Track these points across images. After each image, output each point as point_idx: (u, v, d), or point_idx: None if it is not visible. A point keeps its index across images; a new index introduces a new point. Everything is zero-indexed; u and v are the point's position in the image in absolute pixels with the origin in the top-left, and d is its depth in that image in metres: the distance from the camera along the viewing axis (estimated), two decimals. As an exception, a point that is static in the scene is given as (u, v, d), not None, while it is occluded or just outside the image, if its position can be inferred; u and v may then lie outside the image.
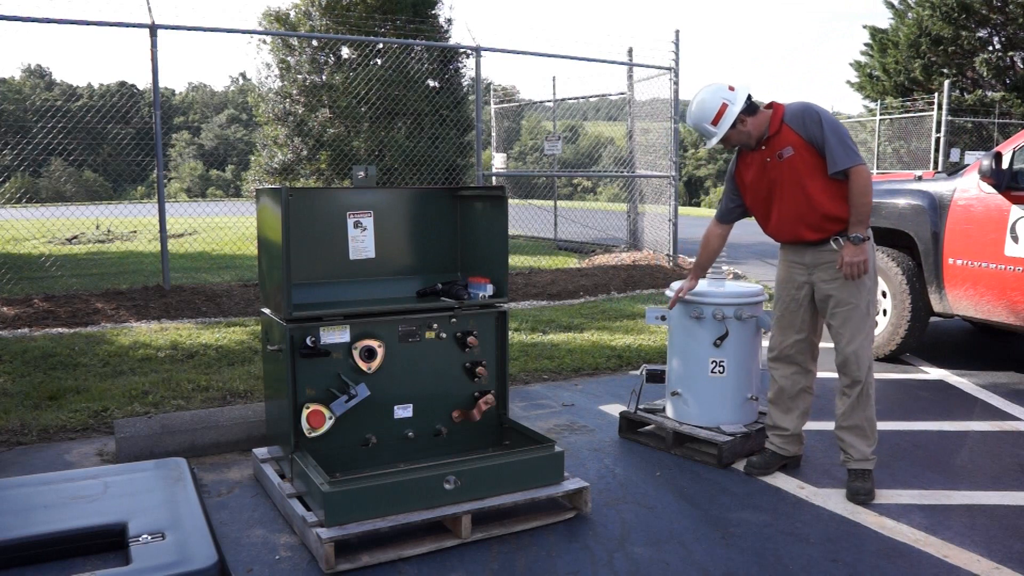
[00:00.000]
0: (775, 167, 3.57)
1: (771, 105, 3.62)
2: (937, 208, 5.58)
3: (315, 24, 13.77)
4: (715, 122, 3.56)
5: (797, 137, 3.50)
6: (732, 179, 3.84)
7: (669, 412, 4.24)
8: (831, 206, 3.49)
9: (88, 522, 1.73)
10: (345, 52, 14.26)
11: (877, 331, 6.01)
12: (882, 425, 4.56)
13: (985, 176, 5.21)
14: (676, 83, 10.94)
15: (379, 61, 13.36)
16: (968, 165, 5.67)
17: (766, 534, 3.20)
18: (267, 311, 3.54)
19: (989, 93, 20.12)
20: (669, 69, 10.92)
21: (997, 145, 7.92)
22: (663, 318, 4.27)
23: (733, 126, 3.55)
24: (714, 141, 3.61)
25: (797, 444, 3.87)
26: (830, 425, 4.46)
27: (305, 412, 3.28)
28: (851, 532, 3.23)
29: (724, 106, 3.55)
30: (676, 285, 4.20)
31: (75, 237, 13.85)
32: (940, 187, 5.63)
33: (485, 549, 3.05)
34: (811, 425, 4.07)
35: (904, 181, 5.99)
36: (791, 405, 3.81)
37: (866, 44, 22.70)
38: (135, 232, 15.07)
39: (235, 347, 5.87)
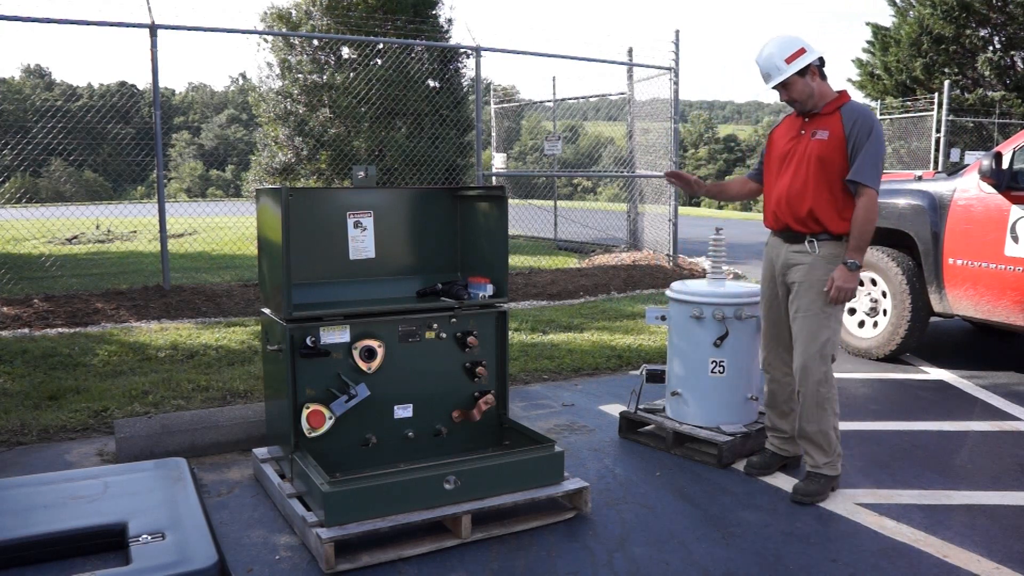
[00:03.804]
0: (804, 141, 3.52)
1: (841, 91, 3.56)
2: (937, 208, 5.58)
3: (316, 24, 13.77)
4: (789, 60, 3.44)
5: (841, 129, 3.43)
6: (766, 142, 3.82)
7: (669, 412, 4.25)
8: (824, 207, 3.46)
9: (88, 522, 1.73)
10: (345, 52, 14.26)
11: (877, 331, 6.02)
12: (882, 425, 4.57)
13: (985, 176, 5.22)
14: (676, 83, 10.93)
15: (379, 61, 13.36)
16: (968, 165, 5.67)
17: (766, 534, 3.20)
18: (267, 311, 3.54)
19: (990, 93, 20.11)
20: (669, 69, 10.92)
21: (997, 145, 7.92)
22: (663, 318, 4.27)
23: (802, 74, 3.45)
24: (778, 80, 3.47)
25: (797, 444, 3.85)
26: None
27: (305, 412, 3.28)
28: (851, 532, 3.23)
29: (802, 50, 3.45)
30: (676, 285, 4.20)
31: (75, 237, 13.84)
32: (940, 187, 5.63)
33: (485, 549, 3.05)
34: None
35: (904, 181, 5.99)
36: (786, 408, 3.80)
37: (868, 41, 22.68)
38: (135, 232, 15.07)
39: (235, 347, 5.87)
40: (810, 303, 3.50)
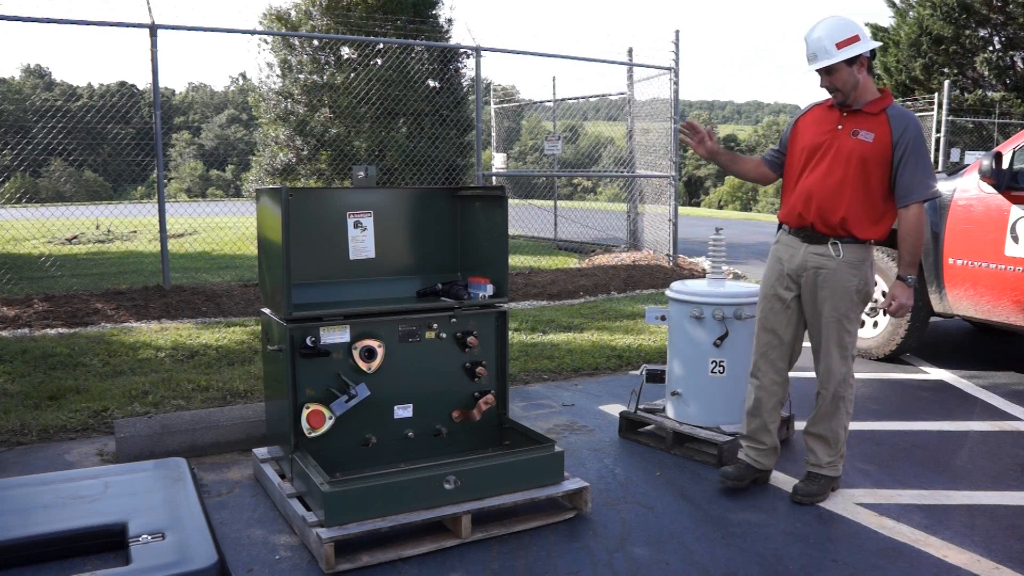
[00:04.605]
0: (842, 138, 3.32)
1: (883, 89, 3.41)
2: (937, 208, 5.58)
3: (316, 24, 13.78)
4: (840, 46, 3.23)
5: (888, 134, 3.26)
6: (790, 129, 3.60)
7: (669, 412, 4.25)
8: (858, 212, 3.32)
9: (88, 522, 1.73)
10: (345, 52, 14.27)
11: (877, 331, 6.02)
12: (882, 425, 4.57)
13: (985, 176, 5.22)
14: (676, 83, 10.93)
15: (379, 61, 13.37)
16: (968, 165, 5.67)
17: (766, 534, 3.20)
18: (267, 311, 3.54)
19: (989, 93, 20.12)
20: (669, 69, 10.92)
21: (997, 145, 7.92)
22: (663, 318, 4.27)
23: (850, 63, 3.25)
24: (824, 63, 3.26)
25: (773, 457, 3.69)
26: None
27: (305, 412, 3.28)
28: (851, 532, 3.23)
29: (856, 38, 3.24)
30: (676, 285, 4.20)
31: (75, 237, 13.84)
32: (940, 187, 5.62)
33: (485, 549, 3.05)
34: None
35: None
36: (768, 419, 3.64)
37: (867, 43, 22.67)
38: (135, 232, 15.07)
39: (235, 347, 5.87)
40: (833, 308, 3.39)
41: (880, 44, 3.35)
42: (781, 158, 3.65)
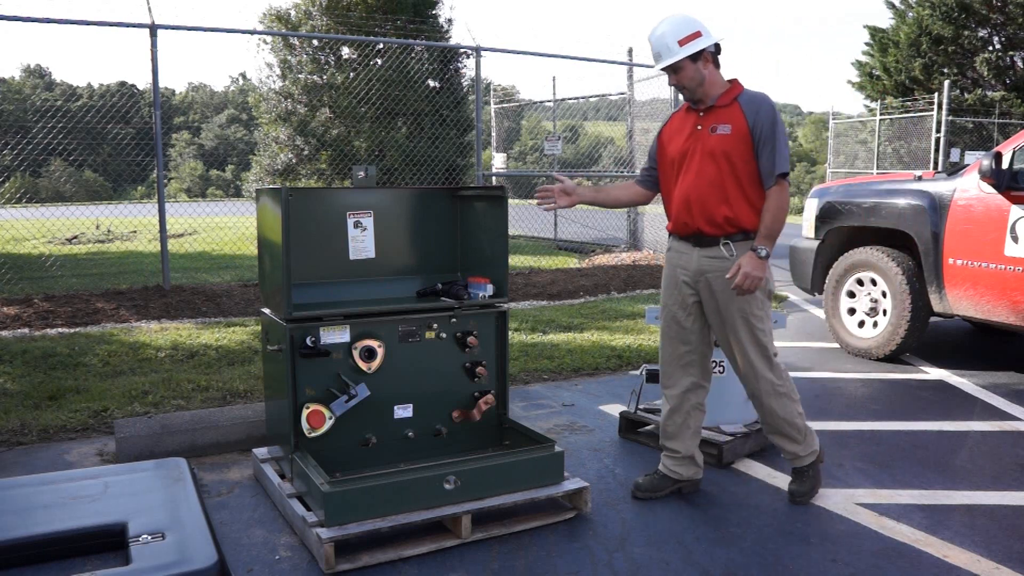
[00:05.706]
0: (704, 138, 3.29)
1: (732, 80, 3.38)
2: (937, 208, 5.58)
3: (316, 24, 13.78)
4: (682, 43, 3.23)
5: (743, 121, 3.23)
6: (656, 143, 3.54)
7: (669, 412, 4.24)
8: (739, 204, 3.25)
9: (88, 522, 1.73)
10: (345, 52, 14.28)
11: (877, 331, 6.02)
12: (882, 425, 4.57)
13: (985, 176, 5.22)
14: (676, 83, 10.92)
15: (379, 61, 13.38)
16: (968, 165, 5.67)
17: (766, 534, 3.20)
18: (267, 311, 3.54)
19: (989, 93, 20.14)
20: (669, 69, 10.91)
21: (997, 145, 7.92)
22: (663, 318, 4.27)
23: (694, 59, 3.24)
24: (668, 62, 3.25)
25: (692, 467, 3.56)
26: (828, 425, 4.47)
27: (305, 412, 3.28)
28: (851, 532, 3.23)
29: (697, 34, 3.24)
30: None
31: (75, 237, 13.85)
32: (940, 187, 5.63)
33: (485, 549, 3.05)
34: (810, 425, 4.06)
35: (904, 181, 5.99)
36: (681, 425, 3.52)
37: (867, 43, 22.72)
38: (135, 232, 15.08)
39: (235, 347, 5.87)
40: (739, 309, 3.32)
41: (723, 38, 3.34)
42: (654, 173, 3.59)
